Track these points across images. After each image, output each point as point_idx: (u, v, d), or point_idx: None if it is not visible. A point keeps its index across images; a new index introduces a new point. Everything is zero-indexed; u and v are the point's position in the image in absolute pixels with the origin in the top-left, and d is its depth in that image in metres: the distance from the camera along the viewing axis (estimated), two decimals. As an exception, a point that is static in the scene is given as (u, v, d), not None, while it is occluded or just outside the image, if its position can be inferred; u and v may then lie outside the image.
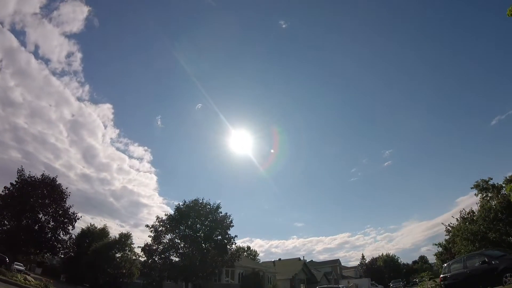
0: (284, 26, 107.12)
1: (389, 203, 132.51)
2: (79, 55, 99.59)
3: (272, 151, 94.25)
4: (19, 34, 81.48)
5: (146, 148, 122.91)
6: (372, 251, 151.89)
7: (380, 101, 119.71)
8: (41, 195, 29.54)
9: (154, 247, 28.31)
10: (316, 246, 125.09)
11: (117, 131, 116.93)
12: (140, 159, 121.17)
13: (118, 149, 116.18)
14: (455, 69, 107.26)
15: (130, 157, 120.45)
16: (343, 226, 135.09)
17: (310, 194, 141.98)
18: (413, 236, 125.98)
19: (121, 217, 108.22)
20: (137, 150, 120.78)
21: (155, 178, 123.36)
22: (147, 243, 28.52)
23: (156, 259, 28.21)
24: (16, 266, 26.63)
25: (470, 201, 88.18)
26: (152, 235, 28.34)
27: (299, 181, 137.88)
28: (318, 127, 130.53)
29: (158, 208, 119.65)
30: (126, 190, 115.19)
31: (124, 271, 36.58)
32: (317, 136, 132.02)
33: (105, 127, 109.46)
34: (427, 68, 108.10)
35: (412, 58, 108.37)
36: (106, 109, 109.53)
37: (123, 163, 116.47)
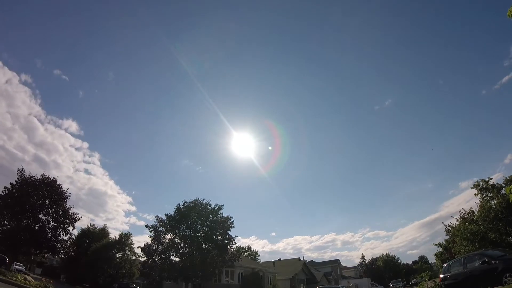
0: (287, 24, 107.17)
1: (378, 200, 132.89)
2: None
3: (269, 147, 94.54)
4: None
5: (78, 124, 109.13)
6: (363, 251, 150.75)
7: (375, 97, 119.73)
8: (41, 196, 29.58)
9: (154, 247, 28.32)
10: (303, 245, 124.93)
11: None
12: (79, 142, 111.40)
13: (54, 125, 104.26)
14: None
15: (73, 135, 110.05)
16: (329, 225, 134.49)
17: (293, 193, 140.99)
18: (407, 235, 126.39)
19: (93, 210, 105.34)
20: (70, 124, 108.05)
21: (98, 162, 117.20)
22: (147, 243, 28.59)
23: (156, 259, 28.23)
24: (16, 266, 26.64)
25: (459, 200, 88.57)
26: (152, 235, 28.38)
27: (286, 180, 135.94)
28: (318, 125, 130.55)
29: (124, 199, 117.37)
30: (81, 176, 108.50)
31: (124, 271, 36.61)
32: (316, 136, 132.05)
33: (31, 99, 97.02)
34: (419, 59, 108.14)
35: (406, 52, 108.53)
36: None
37: (67, 141, 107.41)
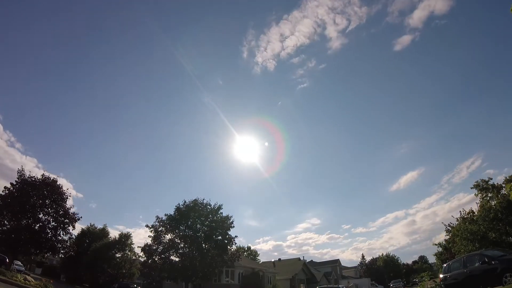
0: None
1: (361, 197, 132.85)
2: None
3: (266, 144, 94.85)
4: None
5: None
6: (353, 249, 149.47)
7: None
8: (41, 196, 29.59)
9: (154, 247, 28.36)
10: (281, 242, 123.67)
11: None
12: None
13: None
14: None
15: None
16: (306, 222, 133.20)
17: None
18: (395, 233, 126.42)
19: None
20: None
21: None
22: (147, 243, 28.60)
23: (156, 259, 28.26)
24: (16, 266, 26.62)
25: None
26: (152, 235, 28.40)
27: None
28: (319, 126, 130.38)
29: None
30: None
31: (124, 271, 36.64)
32: (315, 136, 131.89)
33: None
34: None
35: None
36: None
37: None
